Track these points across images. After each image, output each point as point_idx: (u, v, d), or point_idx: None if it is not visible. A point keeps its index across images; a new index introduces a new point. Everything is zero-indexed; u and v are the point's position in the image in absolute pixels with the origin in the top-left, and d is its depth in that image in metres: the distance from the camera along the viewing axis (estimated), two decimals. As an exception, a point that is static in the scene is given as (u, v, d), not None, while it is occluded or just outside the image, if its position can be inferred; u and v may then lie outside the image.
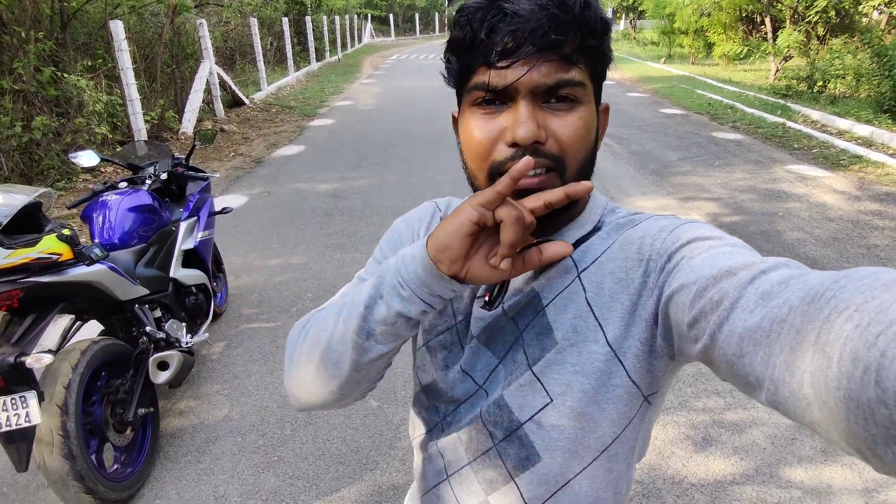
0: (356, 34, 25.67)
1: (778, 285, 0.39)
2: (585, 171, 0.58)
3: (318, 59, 16.43)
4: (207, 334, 2.64)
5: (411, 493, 0.81)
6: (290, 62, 13.42)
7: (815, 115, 8.15)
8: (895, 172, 5.70)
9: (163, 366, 2.06)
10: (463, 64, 0.56)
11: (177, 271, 2.44)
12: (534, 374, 0.59)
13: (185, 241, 2.55)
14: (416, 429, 0.74)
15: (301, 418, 2.40)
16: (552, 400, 0.58)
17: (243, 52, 12.13)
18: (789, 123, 7.85)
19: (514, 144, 0.54)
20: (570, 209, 0.60)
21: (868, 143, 6.73)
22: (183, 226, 2.55)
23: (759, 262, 0.44)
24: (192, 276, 2.55)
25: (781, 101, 9.21)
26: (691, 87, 11.63)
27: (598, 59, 0.57)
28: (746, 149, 6.85)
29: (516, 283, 0.62)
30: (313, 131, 8.24)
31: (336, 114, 9.60)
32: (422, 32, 40.22)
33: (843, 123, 7.47)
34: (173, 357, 2.07)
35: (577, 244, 0.60)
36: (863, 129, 7.08)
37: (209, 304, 2.70)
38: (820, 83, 9.42)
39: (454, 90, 0.61)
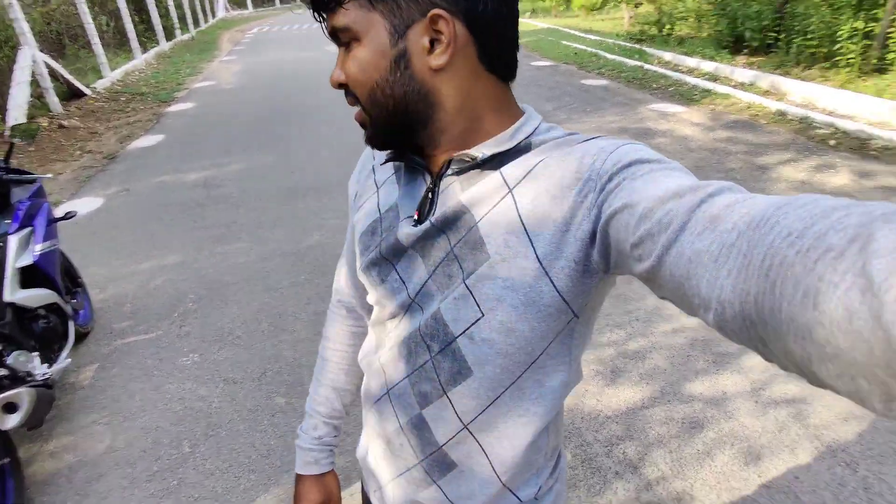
0: (208, 9, 23.58)
1: (725, 209, 0.41)
2: (380, 98, 0.59)
3: (168, 39, 14.89)
4: (70, 360, 2.28)
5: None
6: (135, 43, 12.01)
7: (667, 56, 8.77)
8: (739, 102, 6.29)
9: (10, 408, 1.72)
10: None
11: (14, 294, 2.05)
12: (467, 287, 0.60)
13: (19, 257, 2.14)
14: (365, 348, 0.77)
15: (200, 432, 2.16)
16: (483, 314, 0.59)
17: (74, 36, 10.61)
18: (646, 66, 8.38)
19: None
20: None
21: (714, 77, 7.37)
22: (13, 240, 2.14)
23: (704, 185, 0.45)
24: (36, 296, 2.16)
25: (637, 46, 9.80)
26: (557, 38, 12.02)
27: None
28: (613, 93, 7.22)
29: (445, 197, 0.61)
30: (172, 118, 7.46)
31: (196, 96, 8.77)
32: (282, 2, 37.86)
33: (692, 62, 8.10)
34: (22, 395, 1.74)
35: (492, 158, 0.60)
36: (708, 66, 7.73)
37: (66, 325, 2.32)
38: (668, 26, 10.15)
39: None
